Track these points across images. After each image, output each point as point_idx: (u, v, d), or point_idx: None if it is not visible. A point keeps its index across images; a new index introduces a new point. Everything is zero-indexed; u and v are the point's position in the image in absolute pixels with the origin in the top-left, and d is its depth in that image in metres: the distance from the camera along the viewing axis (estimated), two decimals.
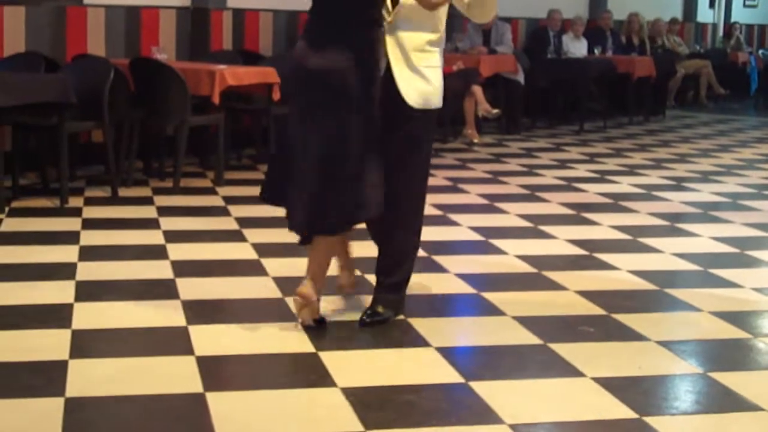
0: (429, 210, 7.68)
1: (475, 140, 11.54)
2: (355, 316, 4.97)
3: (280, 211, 7.48)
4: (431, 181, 8.99)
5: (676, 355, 4.61)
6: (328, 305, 5.16)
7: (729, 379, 4.30)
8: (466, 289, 5.64)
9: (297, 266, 5.91)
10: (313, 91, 4.65)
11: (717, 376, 4.34)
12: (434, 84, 5.01)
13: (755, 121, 15.56)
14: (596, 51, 14.27)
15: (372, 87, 4.68)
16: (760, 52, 19.77)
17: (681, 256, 6.50)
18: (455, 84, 11.46)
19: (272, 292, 5.43)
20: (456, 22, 13.31)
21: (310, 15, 4.77)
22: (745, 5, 21.10)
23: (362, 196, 4.67)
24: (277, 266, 5.91)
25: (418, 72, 4.90)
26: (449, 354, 4.52)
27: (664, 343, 4.74)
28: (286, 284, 5.50)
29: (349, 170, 4.63)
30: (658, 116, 15.37)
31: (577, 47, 14.05)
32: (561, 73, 13.55)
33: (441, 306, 5.41)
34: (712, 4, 19.98)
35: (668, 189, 9.04)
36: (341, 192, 4.64)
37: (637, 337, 4.84)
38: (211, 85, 8.27)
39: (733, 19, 20.09)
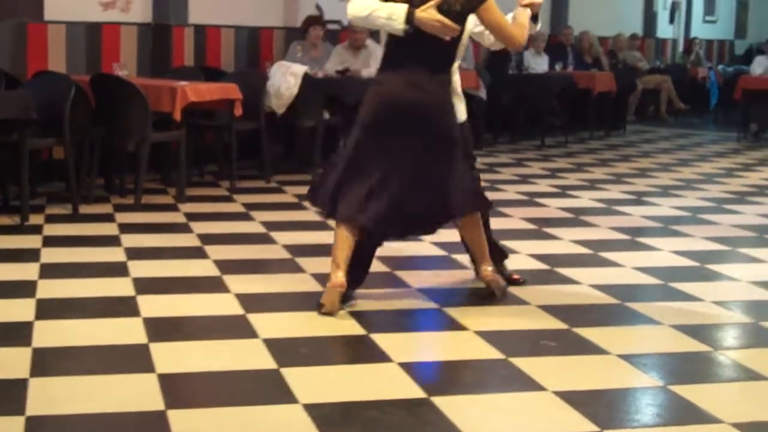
0: None
1: None
2: (320, 332, 4.99)
3: (242, 227, 7.53)
4: None
5: (637, 369, 4.64)
6: (300, 321, 5.18)
7: (689, 392, 4.34)
8: (428, 304, 5.65)
9: (259, 282, 5.94)
10: (406, 122, 5.29)
11: (678, 389, 4.37)
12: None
13: (715, 136, 15.70)
14: (557, 67, 14.37)
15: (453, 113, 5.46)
16: (720, 67, 19.96)
17: (641, 269, 6.54)
18: None
19: (234, 308, 5.41)
20: None
21: (390, 55, 5.34)
22: (704, 21, 21.31)
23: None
24: (238, 283, 5.89)
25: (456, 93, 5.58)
26: (412, 369, 4.53)
27: (625, 357, 4.77)
28: (248, 301, 5.50)
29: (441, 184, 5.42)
30: (619, 131, 15.48)
31: (538, 63, 14.13)
32: (523, 89, 13.63)
33: (403, 321, 5.41)
34: (672, 20, 20.16)
35: (629, 203, 9.10)
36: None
37: (599, 350, 4.87)
38: (173, 101, 8.26)
39: (692, 35, 20.27)
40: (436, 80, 5.32)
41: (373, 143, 5.37)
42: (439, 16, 5.11)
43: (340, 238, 5.36)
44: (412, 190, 5.34)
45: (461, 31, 5.30)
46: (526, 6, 5.42)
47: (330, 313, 5.26)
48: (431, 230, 5.82)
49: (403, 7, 5.10)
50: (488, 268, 5.74)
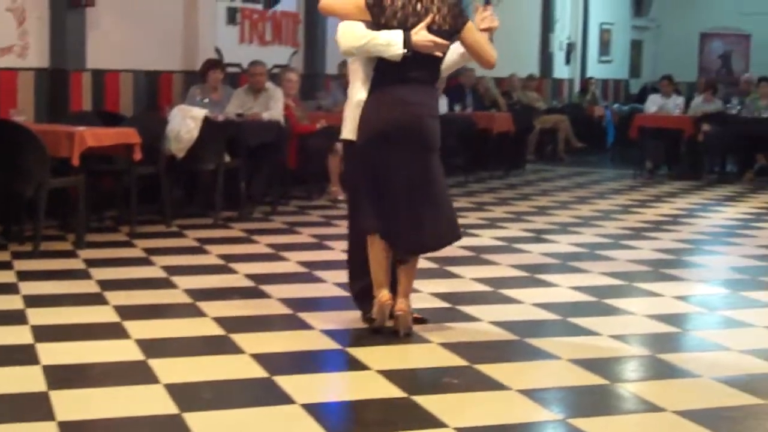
0: (294, 267, 7.77)
1: (340, 197, 11.61)
2: (222, 376, 4.97)
3: (142, 272, 7.46)
4: (296, 239, 9.08)
5: (537, 403, 4.71)
6: (201, 365, 5.15)
7: (588, 425, 4.41)
8: (331, 345, 5.67)
9: (159, 327, 5.90)
10: (403, 136, 5.66)
11: (577, 422, 4.44)
12: None
13: (611, 173, 16.00)
14: (457, 108, 14.55)
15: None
16: (615, 106, 20.38)
17: (541, 306, 6.64)
18: (319, 142, 11.57)
19: (134, 354, 5.36)
20: (319, 80, 13.46)
21: (381, 76, 5.69)
22: (599, 61, 21.76)
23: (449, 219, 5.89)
24: (139, 328, 5.84)
25: None
26: (315, 410, 4.53)
27: (526, 392, 4.84)
28: (149, 346, 5.46)
29: (439, 199, 5.80)
30: (518, 170, 15.71)
31: (439, 104, 14.24)
32: None
33: (306, 362, 5.41)
34: (568, 61, 20.56)
35: (528, 241, 9.23)
36: (437, 217, 5.80)
37: (500, 386, 4.93)
38: (71, 146, 8.18)
39: (588, 75, 20.69)
40: (427, 93, 5.77)
41: (376, 162, 5.72)
42: (431, 36, 5.58)
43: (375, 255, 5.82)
44: (414, 205, 5.74)
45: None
46: (484, 30, 5.84)
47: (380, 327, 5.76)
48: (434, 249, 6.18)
49: (399, 33, 5.55)
50: (405, 304, 5.79)
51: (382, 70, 5.70)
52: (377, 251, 5.81)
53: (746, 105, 15.37)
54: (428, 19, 5.60)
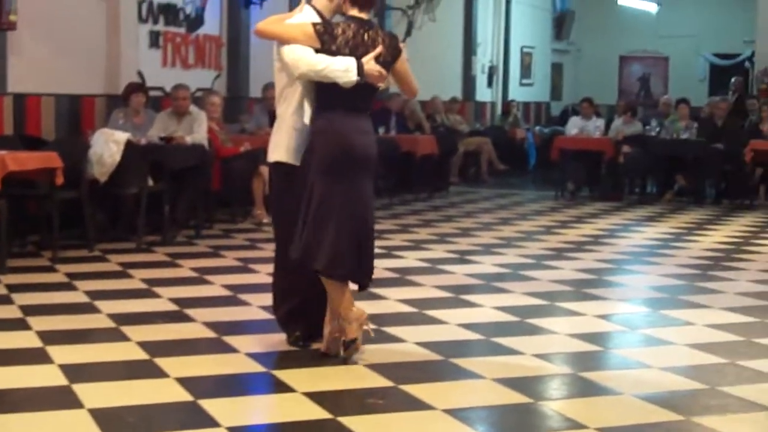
0: (219, 291, 7.75)
1: (264, 220, 11.60)
2: (146, 400, 4.95)
3: (65, 297, 7.38)
4: (221, 263, 9.05)
5: (461, 423, 4.74)
6: (126, 390, 5.12)
7: None
8: (256, 367, 5.66)
9: (83, 352, 5.85)
10: (360, 165, 5.78)
11: None
12: None
13: (534, 195, 16.18)
14: (380, 131, 14.61)
15: None
16: (537, 128, 20.63)
17: (465, 326, 6.69)
18: (242, 165, 11.56)
19: (58, 379, 5.31)
20: (242, 103, 13.46)
21: (326, 103, 5.76)
22: (521, 84, 22.02)
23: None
24: (62, 353, 5.79)
25: None
26: None
27: (450, 411, 4.88)
28: (73, 371, 5.41)
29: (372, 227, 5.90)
30: (442, 192, 15.82)
31: None
32: None
33: (231, 386, 5.40)
34: (490, 84, 20.78)
35: (452, 262, 9.30)
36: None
37: (424, 406, 4.97)
38: None
39: (510, 97, 20.93)
40: (370, 121, 5.95)
41: (335, 188, 5.73)
42: (378, 66, 5.71)
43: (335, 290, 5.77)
44: (369, 231, 5.84)
45: None
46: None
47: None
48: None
49: (353, 60, 5.63)
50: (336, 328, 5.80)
51: (328, 97, 5.75)
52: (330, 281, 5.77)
53: (665, 127, 15.65)
54: (379, 50, 5.70)
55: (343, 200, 5.72)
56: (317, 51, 5.66)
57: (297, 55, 5.67)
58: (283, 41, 5.78)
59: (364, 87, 5.73)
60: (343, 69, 5.62)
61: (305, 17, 5.83)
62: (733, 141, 14.81)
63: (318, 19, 5.81)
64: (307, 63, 5.63)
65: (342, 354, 5.73)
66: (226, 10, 13.48)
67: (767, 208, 14.57)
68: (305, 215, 5.74)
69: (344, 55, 5.65)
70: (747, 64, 21.75)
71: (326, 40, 5.67)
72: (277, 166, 6.00)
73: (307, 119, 5.87)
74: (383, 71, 5.74)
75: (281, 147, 5.94)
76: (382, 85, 5.88)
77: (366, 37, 5.75)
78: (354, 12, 5.81)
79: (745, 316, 7.22)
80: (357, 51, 5.69)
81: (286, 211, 5.95)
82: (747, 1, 19.63)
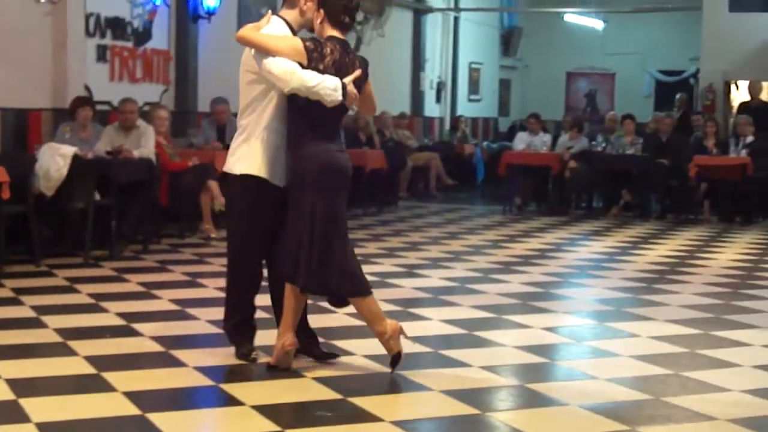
0: (166, 305, 7.73)
1: (213, 235, 11.59)
2: (94, 414, 4.92)
3: (11, 312, 7.32)
4: (168, 277, 9.02)
5: None
6: (74, 404, 5.08)
7: None
8: (205, 381, 5.65)
9: (30, 367, 5.82)
10: (343, 181, 5.81)
11: None
12: None
13: (482, 210, 16.27)
14: None
15: None
16: (485, 143, 20.78)
17: (413, 339, 6.70)
18: (191, 180, 11.54)
19: (5, 394, 5.27)
20: (190, 117, 13.43)
21: (303, 122, 5.72)
22: (469, 99, 22.16)
23: None
24: (9, 368, 5.74)
25: None
26: None
27: (399, 423, 4.91)
28: (20, 386, 5.38)
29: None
30: (391, 207, 15.87)
31: None
32: None
33: (180, 399, 5.40)
34: (438, 99, 20.88)
35: (401, 276, 9.34)
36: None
37: (373, 418, 4.99)
38: None
39: (458, 113, 21.04)
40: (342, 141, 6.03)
41: (341, 204, 5.82)
42: (354, 89, 5.75)
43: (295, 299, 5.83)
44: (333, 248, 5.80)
45: None
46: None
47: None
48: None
49: (339, 81, 5.63)
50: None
51: (304, 116, 5.71)
52: (298, 296, 5.80)
53: (611, 142, 15.82)
54: (358, 73, 5.74)
55: (344, 217, 5.82)
56: (302, 67, 5.62)
57: (288, 69, 5.58)
58: (268, 52, 5.64)
59: (339, 107, 5.72)
60: (332, 88, 5.59)
61: (276, 29, 5.79)
62: (677, 156, 15.00)
63: (288, 31, 5.80)
64: (300, 78, 5.56)
65: (391, 370, 5.82)
66: (174, 24, 13.47)
67: (711, 223, 14.77)
68: (309, 237, 5.67)
69: (330, 74, 5.63)
70: (692, 80, 22.04)
71: (314, 58, 5.64)
72: (243, 178, 5.85)
73: (281, 136, 5.81)
74: (357, 93, 5.78)
75: (250, 160, 5.82)
76: (354, 107, 5.97)
77: (347, 59, 5.76)
78: (335, 33, 5.79)
79: (688, 328, 7.32)
80: (340, 72, 5.68)
81: (247, 224, 5.89)
82: (691, 18, 19.90)
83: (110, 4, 12.36)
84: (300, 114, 5.72)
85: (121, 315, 7.27)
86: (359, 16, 16.75)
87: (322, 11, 5.79)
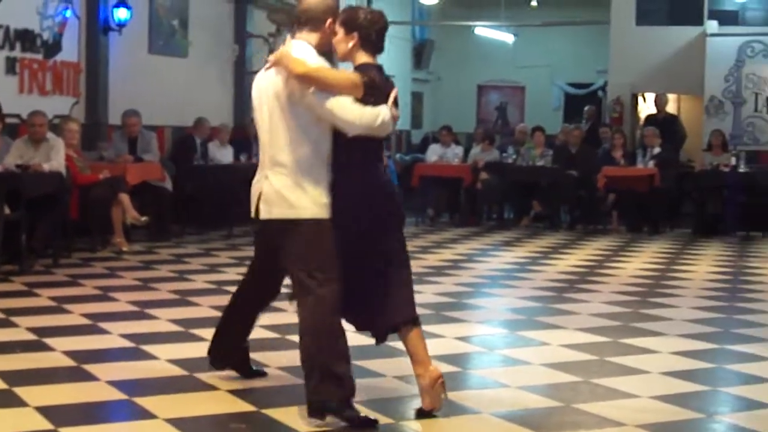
0: (78, 319, 7.65)
1: (124, 248, 11.50)
2: (4, 429, 4.87)
3: None
4: (80, 291, 8.93)
5: None
6: None
7: None
8: (117, 395, 5.62)
9: None
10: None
11: None
12: None
13: None
14: (242, 157, 14.61)
15: None
16: (398, 155, 20.84)
17: None
18: (102, 192, 11.44)
19: None
20: (101, 130, 13.31)
21: (353, 152, 5.24)
22: None
23: None
24: None
25: None
26: None
27: None
28: None
29: None
30: None
31: (223, 154, 14.34)
32: (208, 180, 13.77)
33: (92, 413, 5.35)
34: None
35: None
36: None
37: (287, 429, 5.02)
38: None
39: None
40: None
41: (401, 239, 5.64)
42: (395, 110, 5.31)
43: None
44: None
45: None
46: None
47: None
48: None
49: (386, 108, 5.20)
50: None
51: (355, 146, 5.23)
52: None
53: (521, 154, 16.03)
54: (395, 92, 5.30)
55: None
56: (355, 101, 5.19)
57: (356, 112, 5.12)
58: (329, 89, 5.14)
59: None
60: (388, 120, 5.21)
61: (303, 53, 5.24)
62: (586, 168, 15.25)
63: (315, 55, 5.30)
64: (368, 117, 5.13)
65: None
66: (84, 36, 13.34)
67: (619, 233, 15.03)
68: (386, 275, 5.41)
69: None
70: (600, 93, 22.40)
71: (370, 93, 5.19)
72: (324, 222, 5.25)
73: (327, 169, 5.28)
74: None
75: (317, 204, 5.22)
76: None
77: (386, 83, 5.33)
78: (368, 59, 5.36)
79: (598, 336, 7.45)
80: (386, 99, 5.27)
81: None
82: (599, 32, 20.23)
83: (20, 16, 12.20)
84: (351, 141, 5.23)
85: (32, 330, 7.19)
86: (271, 28, 16.76)
87: (355, 35, 5.32)
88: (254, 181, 5.46)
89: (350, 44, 5.34)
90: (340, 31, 5.35)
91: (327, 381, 5.07)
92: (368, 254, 5.37)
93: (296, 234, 5.20)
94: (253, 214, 5.44)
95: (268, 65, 5.32)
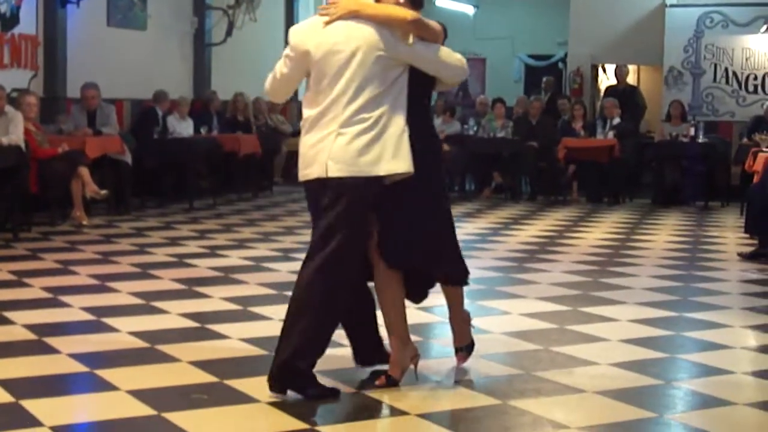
0: (38, 293, 7.61)
1: (84, 222, 11.44)
2: None
3: None
4: (40, 265, 8.89)
5: (285, 413, 4.83)
6: None
7: (337, 429, 4.54)
8: (79, 368, 5.61)
9: None
10: None
11: (326, 429, 4.58)
12: None
13: None
14: (203, 130, 14.55)
15: None
16: None
17: None
18: (61, 166, 11.36)
19: None
20: (60, 104, 13.21)
21: (425, 102, 5.38)
22: None
23: None
24: None
25: None
26: None
27: (274, 403, 4.96)
28: None
29: None
30: (266, 192, 15.85)
31: (183, 127, 14.27)
32: (168, 153, 13.71)
33: (53, 386, 5.34)
34: None
35: (277, 260, 9.36)
36: None
37: (250, 399, 5.03)
38: None
39: None
40: None
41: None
42: None
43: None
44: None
45: None
46: None
47: None
48: None
49: None
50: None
51: (427, 94, 5.44)
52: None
53: (482, 126, 16.06)
54: None
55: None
56: None
57: (459, 57, 5.28)
58: (432, 37, 5.20)
59: None
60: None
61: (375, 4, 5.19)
62: (546, 139, 15.31)
63: None
64: (466, 66, 5.36)
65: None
66: (42, 9, 13.21)
67: (580, 204, 15.13)
68: (450, 227, 5.58)
69: None
70: (560, 64, 22.45)
71: None
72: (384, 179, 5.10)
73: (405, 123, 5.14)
74: None
75: (401, 157, 5.09)
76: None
77: None
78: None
79: (558, 305, 7.51)
80: None
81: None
82: (560, 4, 20.25)
83: None
84: (422, 93, 5.33)
85: None
86: (231, 0, 16.68)
87: None
88: (309, 139, 5.14)
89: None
90: None
91: None
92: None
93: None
94: (313, 175, 5.12)
95: (332, 18, 5.10)
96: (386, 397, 5.17)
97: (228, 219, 12.58)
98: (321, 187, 5.10)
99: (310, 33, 5.18)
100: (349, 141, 5.00)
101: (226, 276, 8.49)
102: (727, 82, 17.03)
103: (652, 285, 8.44)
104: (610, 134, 15.28)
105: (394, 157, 5.03)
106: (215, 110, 15.61)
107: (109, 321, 6.67)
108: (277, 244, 10.37)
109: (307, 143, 5.14)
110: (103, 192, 11.63)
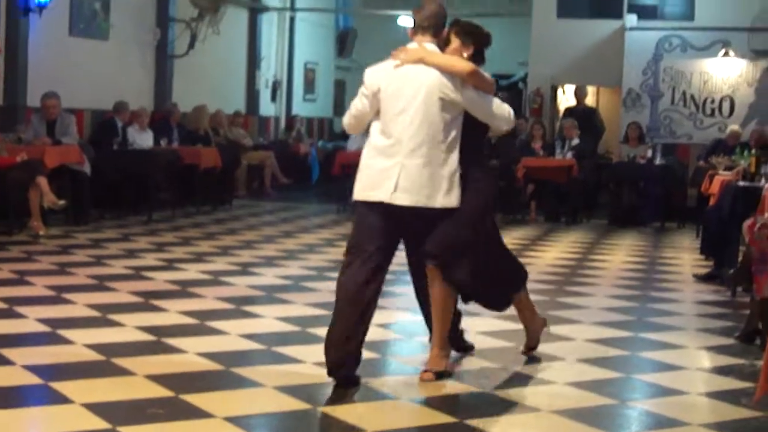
0: None
1: (41, 232, 11.36)
2: None
3: None
4: None
5: (242, 429, 4.81)
6: None
7: None
8: (33, 380, 5.57)
9: None
10: None
11: None
12: None
13: (316, 209, 16.36)
14: (162, 142, 14.50)
15: None
16: (320, 143, 20.86)
17: (247, 336, 6.75)
18: (19, 175, 11.28)
19: None
20: (19, 112, 13.12)
21: (479, 142, 5.99)
22: (304, 99, 22.21)
23: None
24: None
25: None
26: None
27: (231, 419, 4.94)
28: None
29: None
30: (226, 206, 15.82)
31: (143, 138, 14.23)
32: (128, 164, 13.66)
33: (7, 398, 5.29)
34: (273, 98, 20.87)
35: (235, 274, 9.34)
36: None
37: (205, 415, 5.01)
38: None
39: (294, 112, 21.08)
40: None
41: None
42: None
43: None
44: None
45: None
46: None
47: None
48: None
49: None
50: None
51: (481, 134, 6.03)
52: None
53: None
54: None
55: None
56: None
57: (508, 110, 5.91)
58: (486, 88, 5.81)
59: None
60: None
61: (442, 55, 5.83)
62: (506, 158, 15.36)
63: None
64: (513, 117, 5.94)
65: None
66: (3, 17, 13.13)
67: (538, 223, 15.20)
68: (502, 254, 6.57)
69: None
70: (521, 84, 22.57)
71: None
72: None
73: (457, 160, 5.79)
74: None
75: (453, 194, 5.77)
76: None
77: None
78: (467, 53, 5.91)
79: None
80: None
81: None
82: (521, 24, 20.38)
83: None
84: (477, 135, 5.89)
85: None
86: (194, 13, 16.65)
87: (472, 48, 5.90)
88: (376, 164, 5.72)
89: (465, 54, 5.85)
90: (456, 41, 5.88)
91: None
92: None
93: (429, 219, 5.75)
94: (377, 198, 5.70)
95: (402, 62, 5.73)
96: (343, 414, 5.16)
97: (187, 232, 12.54)
98: (382, 209, 5.72)
99: (381, 73, 5.83)
100: (412, 173, 5.62)
101: (183, 289, 8.46)
102: (684, 105, 17.21)
103: (609, 305, 8.50)
104: (569, 154, 15.37)
105: (447, 194, 5.70)
106: (175, 122, 15.56)
107: (65, 333, 6.62)
108: (236, 258, 10.34)
109: (374, 167, 5.72)
110: (61, 202, 11.56)
